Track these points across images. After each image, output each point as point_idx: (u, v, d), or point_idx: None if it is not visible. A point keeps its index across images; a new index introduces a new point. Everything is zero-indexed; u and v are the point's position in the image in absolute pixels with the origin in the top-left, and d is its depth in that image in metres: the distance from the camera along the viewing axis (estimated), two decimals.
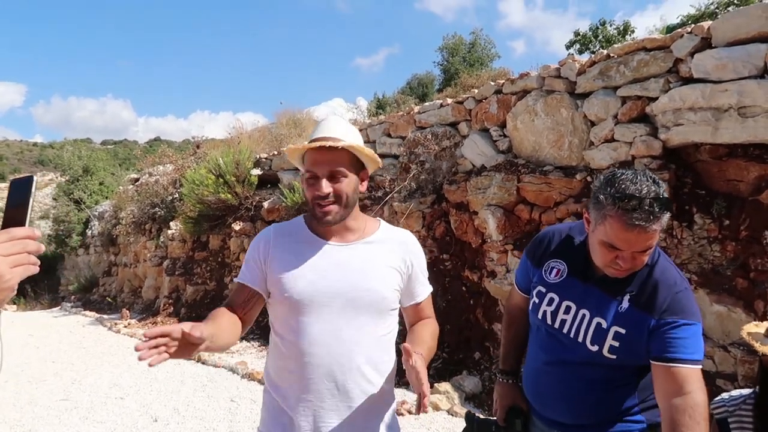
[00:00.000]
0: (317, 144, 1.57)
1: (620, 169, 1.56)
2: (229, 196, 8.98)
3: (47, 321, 11.39)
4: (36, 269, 0.94)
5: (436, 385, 5.12)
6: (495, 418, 1.91)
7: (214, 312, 1.58)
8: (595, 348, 1.59)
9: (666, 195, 1.49)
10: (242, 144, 9.98)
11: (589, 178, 4.96)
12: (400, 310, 1.77)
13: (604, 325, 1.58)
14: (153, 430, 4.58)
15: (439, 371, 5.65)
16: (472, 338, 5.83)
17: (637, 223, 1.44)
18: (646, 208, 1.43)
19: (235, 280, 1.70)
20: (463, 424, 4.56)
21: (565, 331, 1.65)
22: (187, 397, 5.46)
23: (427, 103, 7.05)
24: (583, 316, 1.62)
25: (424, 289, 1.77)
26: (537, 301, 1.74)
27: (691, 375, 1.46)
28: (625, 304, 1.58)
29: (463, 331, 5.95)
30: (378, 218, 1.82)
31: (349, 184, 1.61)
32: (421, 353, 1.50)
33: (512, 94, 5.70)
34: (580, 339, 1.62)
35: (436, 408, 4.76)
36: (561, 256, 1.74)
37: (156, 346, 1.26)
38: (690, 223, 4.17)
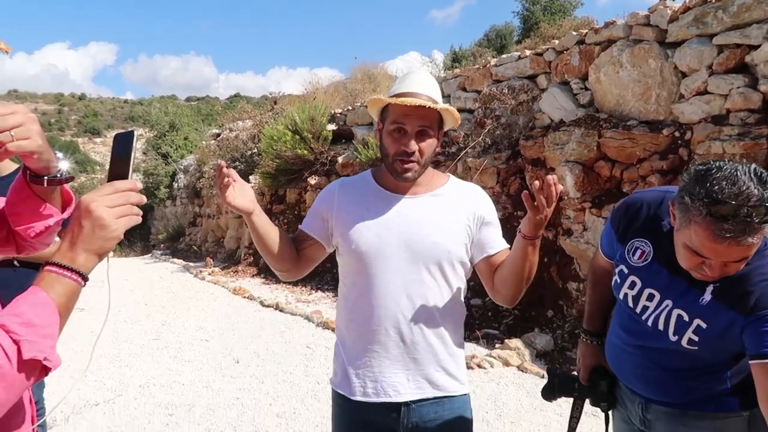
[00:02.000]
0: (414, 101, 1.52)
1: (718, 162, 1.28)
2: (305, 151, 9.15)
3: (140, 267, 12.23)
4: (139, 219, 1.00)
5: (506, 341, 5.13)
6: (577, 375, 1.86)
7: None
8: (675, 338, 1.48)
9: None
10: (317, 100, 10.08)
11: (677, 134, 4.68)
12: (472, 265, 1.72)
13: (686, 317, 1.45)
14: (235, 371, 4.89)
15: (511, 327, 5.65)
16: (545, 296, 5.75)
17: (728, 235, 1.20)
18: (743, 218, 1.18)
19: (301, 226, 1.75)
20: (533, 380, 4.55)
21: (645, 318, 1.54)
22: (266, 342, 5.76)
23: (504, 56, 6.82)
24: (666, 305, 1.49)
25: (496, 242, 1.69)
26: (618, 280, 1.60)
27: None
28: (707, 296, 1.42)
29: (536, 288, 5.88)
30: (447, 173, 1.79)
31: (432, 144, 1.60)
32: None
33: (596, 44, 5.41)
34: (660, 327, 1.50)
35: (506, 363, 4.78)
36: (647, 236, 1.55)
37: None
38: None
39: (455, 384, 1.67)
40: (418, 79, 1.62)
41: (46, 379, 2.62)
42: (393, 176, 1.62)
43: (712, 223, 1.22)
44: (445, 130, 1.70)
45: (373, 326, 1.61)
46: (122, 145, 1.04)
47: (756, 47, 4.10)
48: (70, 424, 3.76)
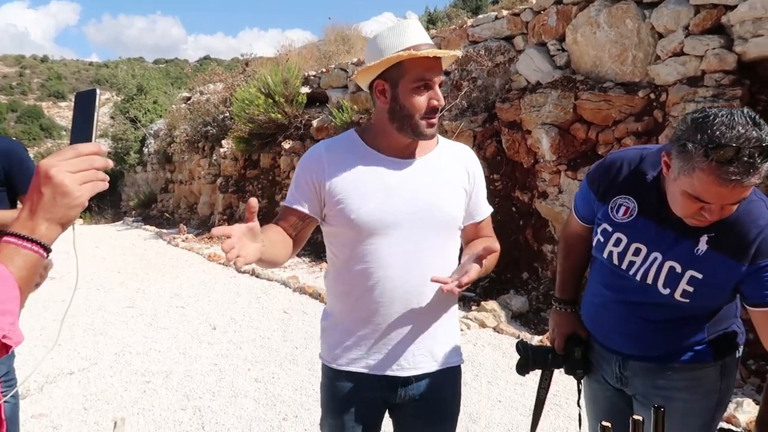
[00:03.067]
0: (441, 52, 1.44)
1: (713, 109, 1.32)
2: (279, 115, 8.98)
3: (111, 234, 12.02)
4: (105, 185, 0.93)
5: (483, 303, 5.19)
6: (549, 345, 1.85)
7: (266, 227, 1.45)
8: (666, 291, 1.48)
9: None
10: (290, 62, 9.85)
11: (652, 95, 4.69)
12: None
13: (678, 269, 1.46)
14: (212, 338, 4.86)
15: (487, 290, 5.71)
16: (521, 259, 5.82)
17: (733, 178, 1.23)
18: (746, 159, 1.21)
19: (282, 203, 1.57)
20: (508, 341, 4.61)
21: (632, 273, 1.54)
22: (242, 308, 5.73)
23: (481, 16, 6.71)
24: (655, 258, 1.50)
25: (485, 208, 1.66)
26: (602, 239, 1.59)
27: None
28: (703, 246, 1.43)
29: (511, 251, 5.94)
30: None
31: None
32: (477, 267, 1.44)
33: (573, 4, 5.34)
34: (650, 281, 1.50)
35: (483, 325, 4.85)
36: (630, 192, 1.55)
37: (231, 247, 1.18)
38: None
39: (456, 356, 1.65)
40: (417, 28, 1.50)
41: (18, 349, 2.56)
42: (416, 136, 1.49)
43: (718, 167, 1.24)
44: None
45: (377, 298, 1.52)
46: (84, 105, 0.96)
47: (732, 7, 4.08)
48: (44, 393, 3.71)
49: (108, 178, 0.95)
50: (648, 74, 4.75)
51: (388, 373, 1.56)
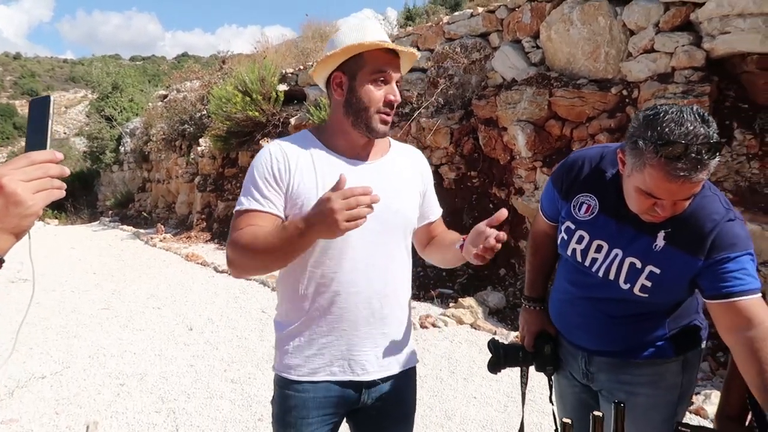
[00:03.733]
0: (400, 47, 1.43)
1: (663, 106, 1.34)
2: (256, 113, 8.92)
3: (87, 235, 11.84)
4: (61, 193, 0.90)
5: (460, 299, 5.21)
6: (520, 343, 1.87)
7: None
8: (626, 286, 1.51)
9: (717, 136, 1.27)
10: (268, 59, 9.78)
11: (624, 92, 4.75)
12: None
13: (638, 264, 1.48)
14: (189, 339, 4.82)
15: (464, 287, 5.74)
16: (498, 255, 5.80)
17: (681, 174, 1.26)
18: (693, 156, 1.24)
19: (249, 206, 1.45)
20: (485, 337, 4.64)
21: (594, 269, 1.56)
22: (220, 308, 5.69)
23: (456, 13, 6.73)
24: (616, 255, 1.52)
25: (435, 208, 1.68)
26: (565, 237, 1.62)
27: (756, 304, 1.35)
28: (660, 242, 1.46)
29: None
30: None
31: None
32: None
33: (547, 1, 5.39)
34: (611, 277, 1.53)
35: (460, 322, 4.87)
36: (591, 190, 1.57)
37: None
38: (729, 139, 3.99)
39: (414, 357, 1.67)
40: (377, 27, 1.50)
41: None
42: (368, 132, 1.47)
43: (666, 163, 1.27)
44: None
45: (341, 303, 1.49)
46: (38, 113, 0.95)
47: (701, 5, 4.15)
48: (15, 398, 3.65)
49: (64, 185, 0.93)
50: (620, 71, 4.81)
51: (354, 378, 1.53)
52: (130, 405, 3.55)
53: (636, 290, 1.50)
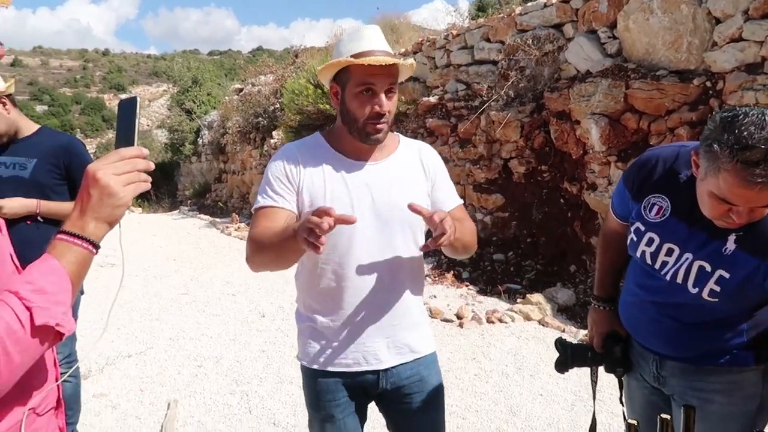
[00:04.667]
0: (385, 60, 1.47)
1: (742, 108, 1.26)
2: (327, 106, 9.08)
3: (168, 223, 12.48)
4: (147, 186, 1.00)
5: (528, 295, 5.15)
6: (588, 343, 1.84)
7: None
8: (695, 290, 1.46)
9: None
10: None
11: (708, 84, 4.51)
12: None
13: (708, 268, 1.43)
14: (261, 325, 5.02)
15: (532, 282, 5.66)
16: (569, 251, 5.73)
17: (759, 180, 1.18)
18: None
19: (264, 203, 1.57)
20: (553, 334, 4.57)
21: (664, 273, 1.52)
22: (291, 297, 5.87)
23: (529, 4, 6.58)
24: (686, 259, 1.47)
25: (450, 201, 1.71)
26: (635, 239, 1.58)
27: None
28: (731, 245, 1.41)
29: (559, 243, 5.86)
30: (396, 132, 1.75)
31: (396, 101, 1.59)
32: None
33: None
34: (679, 281, 1.48)
35: (527, 318, 4.81)
36: (663, 191, 1.52)
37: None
38: None
39: (428, 344, 1.73)
40: (372, 35, 1.55)
41: (81, 333, 2.74)
42: (363, 140, 1.56)
43: (743, 169, 1.20)
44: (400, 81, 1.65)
45: (349, 298, 1.59)
46: (126, 112, 1.04)
47: None
48: (105, 374, 3.94)
49: (150, 179, 1.02)
50: (704, 61, 4.57)
51: (366, 368, 1.63)
52: (207, 386, 3.75)
53: (705, 295, 1.45)
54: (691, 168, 1.46)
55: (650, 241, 1.55)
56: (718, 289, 1.43)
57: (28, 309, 0.83)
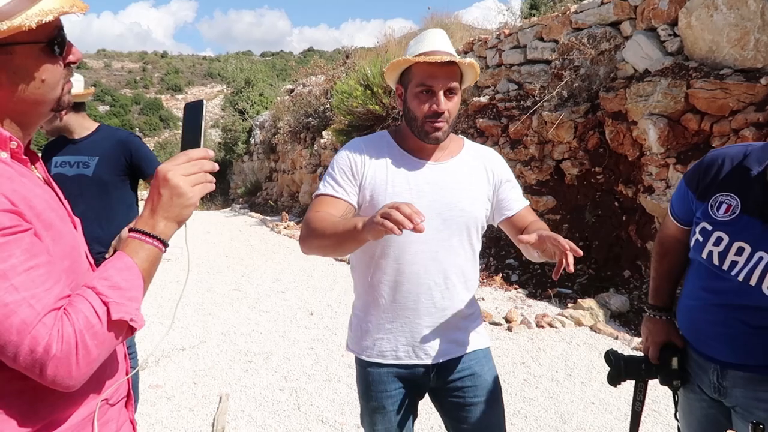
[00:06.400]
0: (437, 58, 1.51)
1: None
2: (377, 106, 9.12)
3: (220, 220, 12.80)
4: (213, 186, 1.04)
5: (579, 300, 5.03)
6: (642, 355, 1.77)
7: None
8: None
9: None
10: (389, 52, 9.95)
11: None
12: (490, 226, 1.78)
13: None
14: (309, 323, 5.08)
15: (584, 287, 5.52)
16: (623, 256, 5.56)
17: None
18: None
19: (326, 191, 1.62)
20: (606, 341, 4.44)
21: (734, 273, 1.46)
22: (338, 295, 5.93)
23: (585, 1, 6.42)
24: (760, 258, 1.40)
25: (513, 203, 1.73)
26: (701, 239, 1.52)
27: None
28: None
29: (612, 247, 5.70)
30: (461, 136, 1.79)
31: (458, 103, 1.61)
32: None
33: None
34: (753, 282, 1.42)
35: (579, 323, 4.70)
36: (732, 189, 1.48)
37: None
38: None
39: (481, 340, 1.75)
40: (436, 38, 1.60)
41: None
42: (422, 139, 1.61)
43: None
44: (464, 87, 1.68)
45: (404, 293, 1.63)
46: (192, 115, 1.07)
47: None
48: (160, 366, 4.07)
49: (215, 180, 1.05)
50: None
51: (416, 362, 1.67)
52: (257, 381, 3.83)
53: None
54: (763, 163, 1.40)
55: (718, 241, 1.49)
56: None
57: (105, 304, 0.87)
